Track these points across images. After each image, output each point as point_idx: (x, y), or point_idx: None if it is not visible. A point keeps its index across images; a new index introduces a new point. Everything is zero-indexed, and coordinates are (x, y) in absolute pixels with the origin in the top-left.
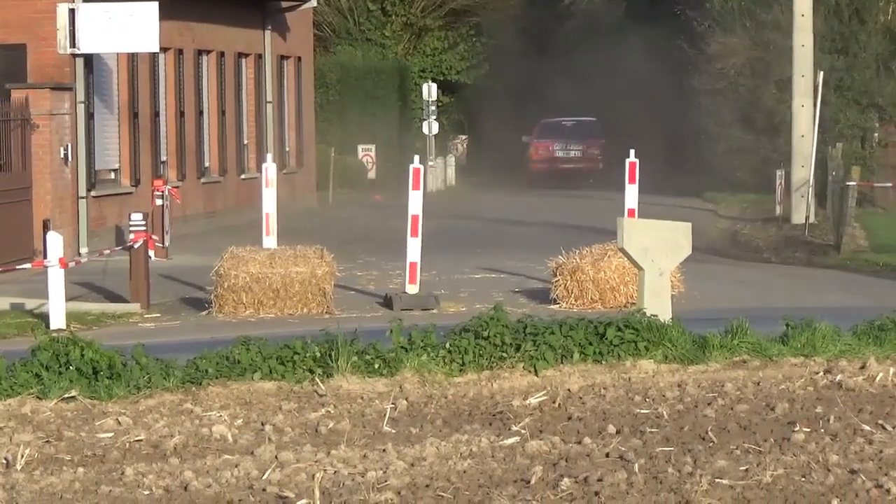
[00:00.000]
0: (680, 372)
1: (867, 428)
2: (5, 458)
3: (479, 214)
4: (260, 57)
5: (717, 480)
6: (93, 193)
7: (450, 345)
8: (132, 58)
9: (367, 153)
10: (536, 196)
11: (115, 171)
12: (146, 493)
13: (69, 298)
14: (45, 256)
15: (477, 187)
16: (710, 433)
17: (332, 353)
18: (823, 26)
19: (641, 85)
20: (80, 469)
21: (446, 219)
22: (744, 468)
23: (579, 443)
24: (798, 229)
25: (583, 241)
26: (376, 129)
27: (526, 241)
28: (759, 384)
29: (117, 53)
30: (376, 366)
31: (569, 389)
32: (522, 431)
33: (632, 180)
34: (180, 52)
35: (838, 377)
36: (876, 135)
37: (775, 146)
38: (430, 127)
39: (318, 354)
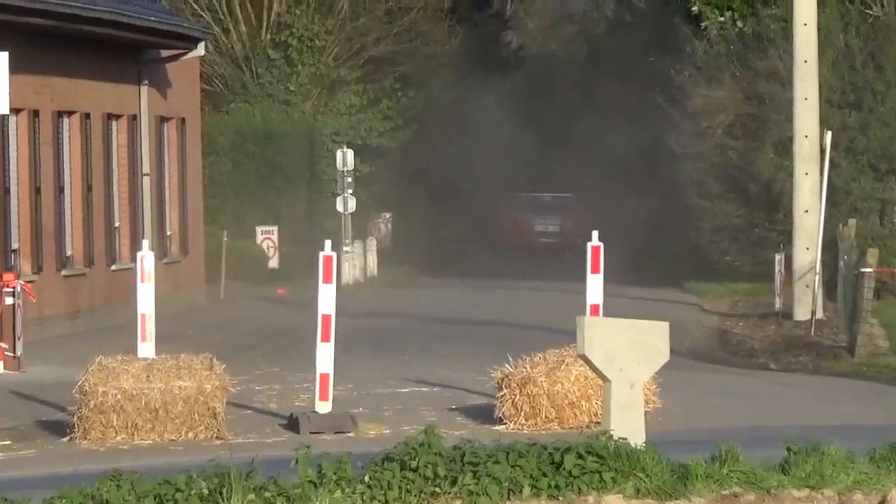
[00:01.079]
0: None
1: None
2: None
3: (407, 312)
4: (134, 118)
5: None
6: None
7: (370, 478)
8: None
9: (267, 236)
10: (479, 287)
11: None
12: None
13: None
14: None
15: (405, 277)
16: None
17: (224, 490)
18: (831, 75)
19: (607, 148)
20: None
21: (366, 317)
22: None
23: None
24: (802, 327)
25: (535, 345)
26: (279, 206)
27: (466, 345)
28: None
29: None
30: None
31: None
32: None
33: (595, 269)
34: (35, 113)
35: None
36: None
37: (773, 223)
38: (346, 203)
39: (206, 492)
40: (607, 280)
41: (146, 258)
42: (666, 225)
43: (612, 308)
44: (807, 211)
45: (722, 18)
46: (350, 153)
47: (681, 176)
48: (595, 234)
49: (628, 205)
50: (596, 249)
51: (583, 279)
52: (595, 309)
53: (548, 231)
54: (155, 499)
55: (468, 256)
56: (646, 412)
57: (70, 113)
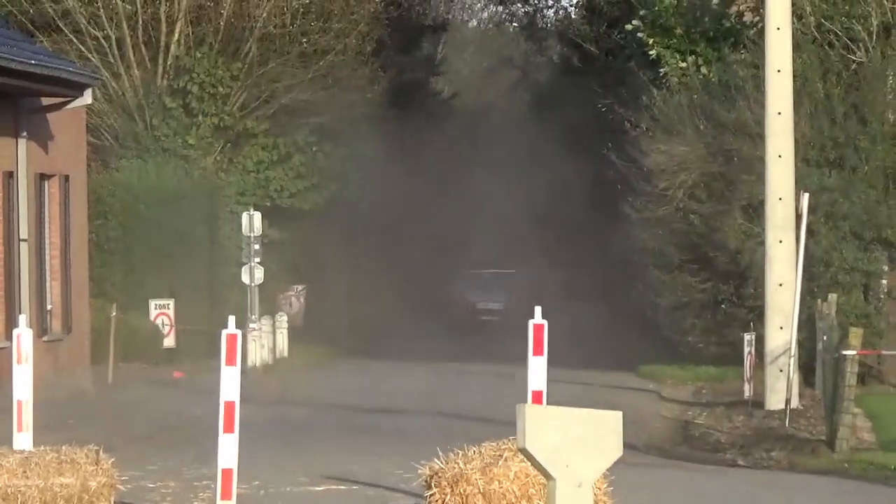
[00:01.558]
0: None
1: None
2: None
3: (322, 398)
4: (11, 176)
5: None
6: None
7: None
8: None
9: (162, 312)
10: (408, 372)
11: None
12: None
13: None
14: None
15: (320, 359)
16: None
17: None
18: (809, 129)
19: (553, 213)
20: None
21: (276, 405)
22: None
23: None
24: (775, 417)
25: (470, 437)
26: (176, 277)
27: (390, 438)
28: None
29: None
30: None
31: None
32: None
33: (538, 350)
34: None
35: None
36: (884, 282)
37: (742, 299)
38: (253, 274)
39: None
40: (552, 363)
41: (23, 336)
42: (619, 300)
43: (558, 395)
44: (781, 284)
45: (683, 64)
46: (257, 216)
47: (636, 244)
48: (538, 310)
49: (577, 278)
50: (539, 328)
51: (525, 361)
52: (538, 396)
53: (490, 308)
54: None
55: (395, 336)
56: None
57: None
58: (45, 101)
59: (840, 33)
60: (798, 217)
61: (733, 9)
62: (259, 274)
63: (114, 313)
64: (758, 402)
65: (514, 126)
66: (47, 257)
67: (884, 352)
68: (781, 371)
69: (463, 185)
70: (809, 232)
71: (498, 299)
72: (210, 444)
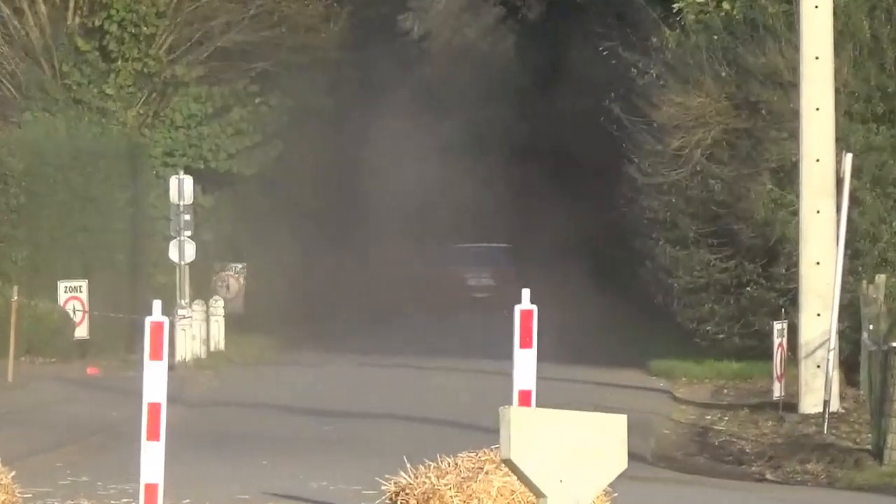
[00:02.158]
0: None
1: None
2: None
3: (265, 400)
4: None
5: None
6: None
7: None
8: None
9: (73, 295)
10: (372, 366)
11: None
12: None
13: None
14: None
15: (263, 352)
16: None
17: None
18: (853, 77)
19: (547, 177)
20: None
21: (209, 407)
22: None
23: None
24: (812, 422)
25: (444, 447)
26: (90, 253)
27: (348, 447)
28: None
29: None
30: None
31: None
32: None
33: (526, 342)
34: None
35: None
36: None
37: (771, 280)
38: (183, 250)
39: None
40: (543, 357)
41: None
42: (625, 281)
43: (550, 395)
44: (818, 263)
45: None
46: (189, 181)
47: (644, 214)
48: (526, 293)
49: (576, 254)
50: (527, 315)
51: (497, 357)
52: (526, 396)
53: (482, 286)
54: None
55: (358, 323)
56: None
57: None
58: None
59: None
60: (839, 182)
61: None
62: (190, 250)
63: (15, 297)
64: (790, 405)
65: (497, 72)
66: None
67: None
68: (819, 367)
69: (438, 142)
70: (853, 200)
71: (488, 276)
72: (131, 455)
